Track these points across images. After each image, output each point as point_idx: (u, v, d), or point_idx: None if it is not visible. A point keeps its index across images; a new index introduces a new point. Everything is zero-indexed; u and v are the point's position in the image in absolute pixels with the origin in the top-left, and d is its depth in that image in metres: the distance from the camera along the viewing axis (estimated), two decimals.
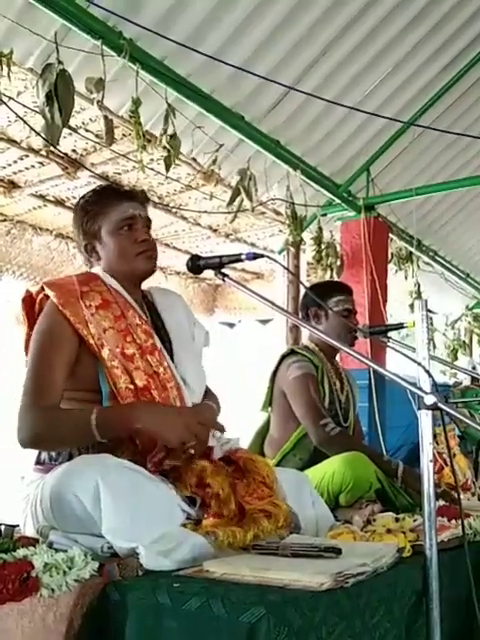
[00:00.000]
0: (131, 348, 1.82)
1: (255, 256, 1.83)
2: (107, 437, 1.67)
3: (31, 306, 1.92)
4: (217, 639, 1.21)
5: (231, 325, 7.81)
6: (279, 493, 1.85)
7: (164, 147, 3.26)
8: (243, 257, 1.81)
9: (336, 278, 4.76)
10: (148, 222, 1.99)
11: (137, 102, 3.07)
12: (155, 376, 1.83)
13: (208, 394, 2.07)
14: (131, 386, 1.78)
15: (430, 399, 1.53)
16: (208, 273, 1.80)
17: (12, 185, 4.49)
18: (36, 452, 1.85)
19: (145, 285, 2.07)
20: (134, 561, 1.45)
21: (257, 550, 1.59)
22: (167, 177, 3.83)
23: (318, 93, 4.05)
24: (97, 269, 1.99)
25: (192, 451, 1.69)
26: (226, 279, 1.81)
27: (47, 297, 1.85)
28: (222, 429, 1.81)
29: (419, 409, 1.60)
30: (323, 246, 4.79)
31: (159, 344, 1.90)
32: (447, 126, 4.95)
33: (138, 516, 1.53)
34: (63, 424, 1.71)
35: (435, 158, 5.29)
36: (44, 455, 1.82)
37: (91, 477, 1.53)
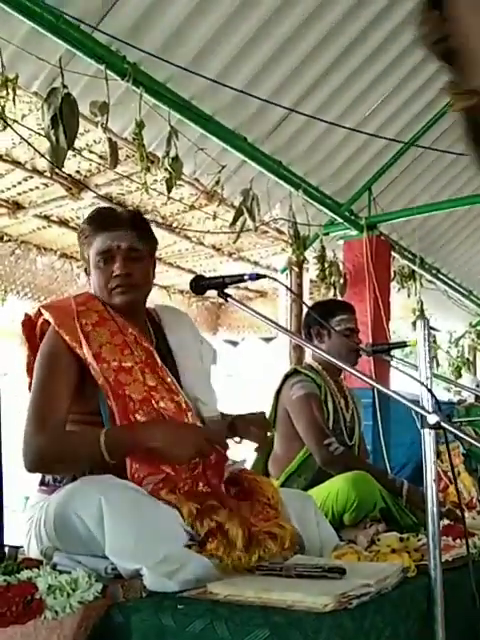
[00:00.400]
0: (129, 361, 1.82)
1: (258, 276, 1.85)
2: (116, 458, 1.66)
3: (31, 329, 1.93)
4: None
5: (235, 343, 7.81)
6: (284, 514, 1.85)
7: (166, 169, 3.30)
8: (246, 277, 1.82)
9: (339, 296, 4.77)
10: (130, 251, 1.91)
11: (140, 125, 3.11)
12: (158, 389, 1.83)
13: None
14: (129, 399, 1.77)
15: (433, 418, 1.53)
16: (212, 292, 1.82)
17: (17, 206, 4.54)
18: (39, 477, 1.85)
19: (150, 303, 2.08)
20: (138, 582, 1.45)
21: (261, 571, 1.58)
22: (170, 198, 3.87)
23: (319, 114, 4.09)
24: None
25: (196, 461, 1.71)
26: (229, 299, 1.83)
27: (47, 321, 1.86)
28: (225, 447, 1.82)
29: (422, 428, 1.60)
30: (326, 265, 4.81)
31: (160, 361, 1.90)
32: (448, 145, 4.98)
33: (142, 536, 1.53)
34: (71, 446, 1.72)
35: (437, 177, 5.32)
36: (48, 477, 1.82)
37: (94, 497, 1.54)
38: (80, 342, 1.79)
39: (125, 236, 1.91)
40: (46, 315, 1.85)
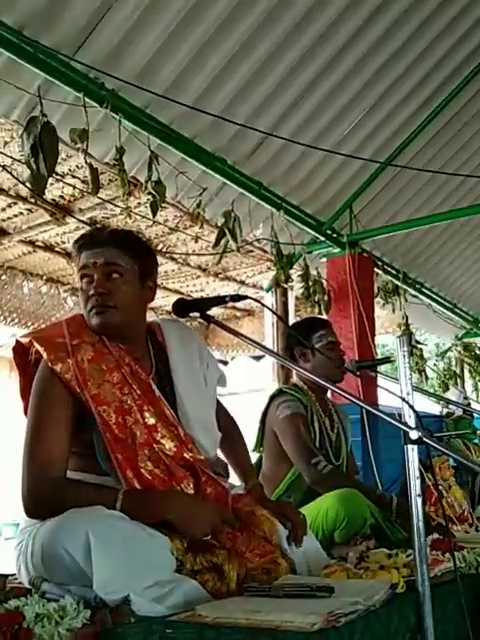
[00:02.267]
0: (128, 400, 1.77)
1: (239, 297, 1.87)
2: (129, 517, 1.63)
3: (24, 356, 1.87)
4: None
5: (224, 363, 7.81)
6: (278, 543, 1.84)
7: (149, 192, 3.32)
8: (227, 299, 1.85)
9: (324, 314, 4.80)
10: (108, 266, 1.81)
11: (121, 150, 3.14)
12: (158, 427, 1.79)
13: (234, 433, 2.08)
14: (132, 443, 1.74)
15: (414, 434, 1.55)
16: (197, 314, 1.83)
17: (1, 232, 4.56)
18: None
19: (151, 317, 2.02)
20: (126, 608, 1.45)
21: (250, 592, 1.58)
22: (154, 220, 3.89)
23: (297, 136, 4.13)
24: None
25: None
26: (211, 321, 1.84)
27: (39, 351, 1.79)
28: (237, 527, 1.77)
29: (404, 444, 1.62)
30: (310, 283, 4.85)
31: (158, 392, 1.86)
32: (425, 163, 5.05)
33: (130, 567, 1.52)
34: (78, 499, 1.64)
35: (416, 194, 5.38)
36: None
37: (81, 531, 1.51)
38: (78, 380, 1.72)
39: (103, 252, 1.81)
40: (40, 349, 1.77)
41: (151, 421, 1.80)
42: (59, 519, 1.61)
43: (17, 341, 1.90)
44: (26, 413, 1.86)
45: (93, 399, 1.73)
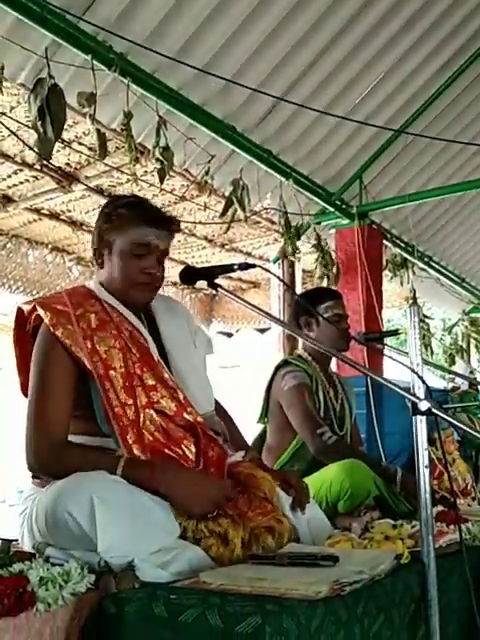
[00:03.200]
0: (131, 365, 1.80)
1: (248, 266, 1.84)
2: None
3: (22, 327, 1.88)
4: None
5: (229, 334, 7.81)
6: (280, 507, 1.85)
7: (157, 159, 3.28)
8: (235, 267, 1.82)
9: (333, 286, 4.76)
10: (164, 254, 1.91)
11: (129, 115, 3.09)
12: (158, 388, 1.82)
13: (219, 412, 2.05)
14: (130, 403, 1.75)
15: (424, 405, 1.54)
16: (203, 282, 1.81)
17: (7, 199, 4.51)
18: None
19: None
20: (130, 574, 1.45)
21: (254, 560, 1.58)
22: (161, 189, 3.85)
23: (309, 103, 4.07)
24: (92, 283, 1.97)
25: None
26: (219, 289, 1.82)
27: (40, 317, 1.81)
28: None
29: (413, 415, 1.60)
30: (323, 254, 4.80)
31: (156, 356, 1.88)
32: (438, 132, 4.97)
33: (135, 531, 1.52)
34: (79, 464, 1.65)
35: (427, 164, 5.31)
36: None
37: (85, 494, 1.52)
38: (80, 346, 1.75)
39: (165, 238, 1.90)
40: (42, 314, 1.79)
41: (150, 382, 1.82)
42: (62, 483, 1.61)
43: (18, 308, 1.89)
44: (23, 388, 1.89)
45: (103, 364, 1.75)
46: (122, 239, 1.87)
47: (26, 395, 1.91)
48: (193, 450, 1.82)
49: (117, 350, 1.79)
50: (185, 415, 1.84)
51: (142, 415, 1.77)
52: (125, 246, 1.87)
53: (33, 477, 1.83)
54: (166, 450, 1.78)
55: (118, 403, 1.74)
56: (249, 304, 1.79)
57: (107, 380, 1.74)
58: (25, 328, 1.88)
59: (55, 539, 1.61)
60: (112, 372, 1.75)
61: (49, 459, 1.70)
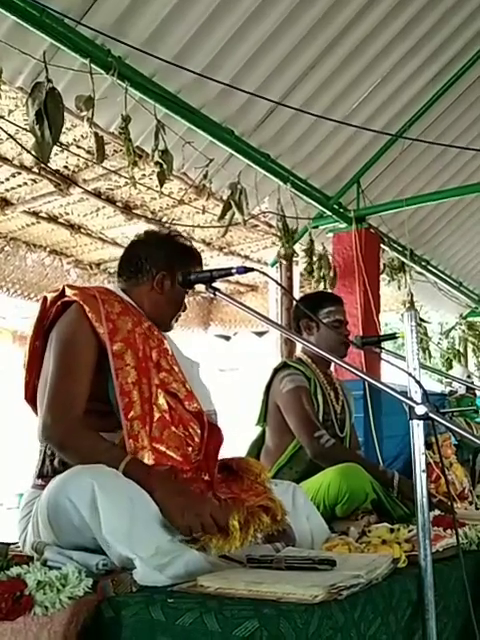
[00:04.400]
0: (148, 350, 1.89)
1: (246, 270, 1.84)
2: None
3: (42, 320, 1.95)
4: None
5: (227, 338, 7.82)
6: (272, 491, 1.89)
7: (157, 162, 3.28)
8: (234, 271, 1.82)
9: (329, 289, 4.77)
10: None
11: (127, 119, 3.09)
12: (172, 373, 1.91)
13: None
14: (145, 382, 1.83)
15: (421, 409, 1.54)
16: (201, 286, 1.82)
17: (5, 202, 4.52)
18: (36, 469, 1.86)
19: None
20: (128, 577, 1.45)
21: (252, 564, 1.58)
22: (160, 192, 3.86)
23: (306, 107, 4.08)
24: (112, 286, 2.06)
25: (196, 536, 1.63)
26: (217, 293, 1.82)
27: (64, 305, 1.90)
28: (226, 527, 1.67)
29: (410, 419, 1.61)
30: (315, 258, 4.81)
31: (171, 349, 1.98)
32: (436, 137, 4.99)
33: (135, 522, 1.54)
34: (89, 449, 1.71)
35: (425, 169, 5.32)
36: (47, 468, 1.82)
37: (87, 483, 1.55)
38: (103, 325, 1.83)
39: None
40: (70, 292, 1.89)
41: (166, 366, 1.92)
42: (65, 474, 1.64)
43: (43, 297, 1.97)
44: (27, 389, 1.97)
45: (123, 342, 1.83)
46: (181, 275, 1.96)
47: (28, 398, 1.94)
48: (199, 433, 1.88)
49: (137, 334, 1.89)
50: (194, 403, 1.92)
51: (155, 393, 1.84)
52: (185, 285, 1.97)
53: (37, 477, 1.84)
54: (173, 428, 1.84)
55: (132, 380, 1.81)
56: (247, 307, 1.79)
57: (124, 357, 1.82)
58: (43, 322, 1.94)
59: (56, 530, 1.62)
60: (131, 351, 1.83)
61: (66, 433, 1.74)
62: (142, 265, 2.05)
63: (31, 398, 1.97)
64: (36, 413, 1.95)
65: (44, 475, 1.82)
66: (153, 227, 4.72)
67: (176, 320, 2.10)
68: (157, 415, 1.82)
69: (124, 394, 1.78)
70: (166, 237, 2.14)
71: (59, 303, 1.92)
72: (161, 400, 1.85)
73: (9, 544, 1.69)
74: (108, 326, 1.83)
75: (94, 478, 1.55)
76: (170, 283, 2.04)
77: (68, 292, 1.90)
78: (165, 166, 3.23)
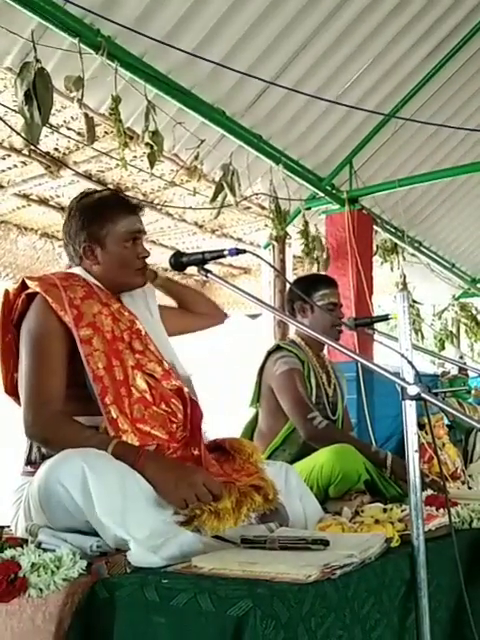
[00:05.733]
0: (120, 331, 1.86)
1: (238, 251, 1.84)
2: None
3: (7, 315, 1.90)
4: (205, 634, 1.21)
5: None
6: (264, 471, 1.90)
7: (147, 143, 3.25)
8: (226, 253, 1.81)
9: (322, 271, 4.76)
10: (145, 235, 2.04)
11: (117, 99, 3.06)
12: (146, 353, 1.88)
13: None
14: (117, 364, 1.80)
15: (413, 389, 1.54)
16: (193, 268, 1.81)
17: None
18: (24, 456, 1.85)
19: None
20: (122, 558, 1.45)
21: (245, 544, 1.59)
22: (151, 174, 3.83)
23: (299, 87, 4.05)
24: (77, 269, 1.98)
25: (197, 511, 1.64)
26: (209, 275, 1.82)
27: (28, 297, 1.85)
28: (220, 496, 1.68)
29: (403, 399, 1.61)
30: (309, 239, 4.80)
31: (142, 329, 1.93)
32: (428, 117, 4.96)
33: (128, 503, 1.55)
34: (77, 438, 1.69)
35: (418, 149, 5.30)
36: (35, 455, 1.81)
37: (77, 466, 1.54)
38: (68, 313, 1.79)
39: (142, 222, 2.01)
40: (31, 284, 1.85)
41: (139, 348, 1.89)
42: (54, 459, 1.63)
43: (5, 291, 1.92)
44: (5, 384, 1.92)
45: (90, 327, 1.80)
46: (114, 231, 1.93)
47: (8, 391, 1.93)
48: (181, 408, 1.87)
49: (105, 316, 1.85)
50: (172, 380, 1.90)
51: (131, 375, 1.82)
52: (119, 237, 1.94)
53: (26, 464, 1.84)
54: (154, 407, 1.82)
55: (103, 365, 1.78)
56: (240, 290, 1.79)
57: (92, 343, 1.79)
58: (10, 317, 1.89)
59: (49, 516, 1.62)
60: (98, 335, 1.80)
61: (47, 429, 1.73)
62: (69, 244, 1.98)
63: (12, 391, 1.93)
64: (19, 404, 1.91)
65: (32, 462, 1.81)
66: (145, 209, 4.69)
67: (141, 273, 1.98)
68: (137, 396, 1.80)
69: (97, 380, 1.76)
70: (72, 207, 2.00)
71: (23, 296, 1.87)
72: (139, 381, 1.82)
73: (2, 527, 1.69)
74: (72, 313, 1.79)
75: (84, 461, 1.55)
76: (100, 249, 1.94)
77: (29, 284, 1.85)
78: (156, 147, 3.20)
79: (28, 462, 1.83)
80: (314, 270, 4.80)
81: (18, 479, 1.84)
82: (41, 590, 1.28)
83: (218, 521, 1.64)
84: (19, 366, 1.84)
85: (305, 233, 4.80)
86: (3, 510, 1.84)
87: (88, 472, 1.52)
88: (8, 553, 1.33)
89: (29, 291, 1.86)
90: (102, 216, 1.94)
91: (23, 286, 1.88)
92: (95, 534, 1.55)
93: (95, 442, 1.67)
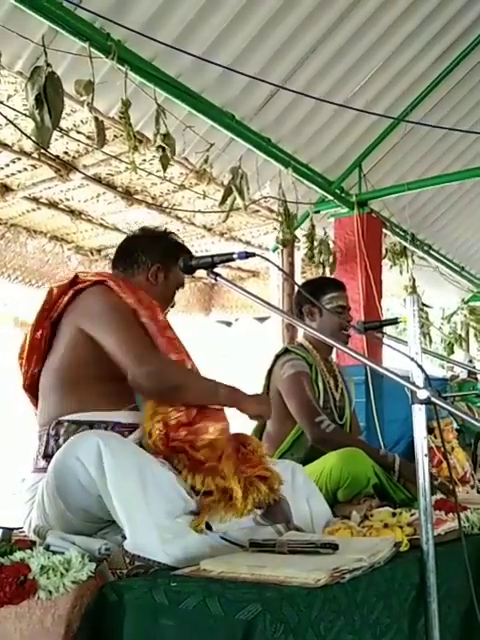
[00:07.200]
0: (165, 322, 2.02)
1: (247, 255, 1.84)
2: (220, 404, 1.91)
3: (50, 307, 1.98)
4: (214, 637, 1.21)
5: (228, 324, 7.80)
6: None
7: (159, 147, 3.26)
8: (235, 256, 1.82)
9: (329, 275, 4.76)
10: None
11: (127, 103, 3.07)
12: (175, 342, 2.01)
13: None
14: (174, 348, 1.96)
15: (423, 393, 1.54)
16: (203, 272, 1.82)
17: (5, 188, 4.49)
18: (39, 451, 1.88)
19: None
20: (119, 550, 1.47)
21: (254, 548, 1.59)
22: (164, 177, 3.83)
23: (308, 90, 4.05)
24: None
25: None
26: (218, 278, 1.82)
27: (75, 292, 1.96)
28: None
29: (413, 403, 1.61)
30: (316, 243, 4.79)
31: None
32: (438, 120, 4.95)
33: (142, 481, 1.59)
34: (200, 380, 1.92)
35: (427, 153, 5.29)
36: (52, 447, 1.83)
37: (93, 442, 1.60)
38: (130, 297, 1.95)
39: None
40: (87, 277, 1.98)
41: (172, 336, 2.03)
42: (71, 438, 1.70)
43: (50, 289, 2.02)
44: (26, 379, 2.00)
45: (148, 309, 1.97)
46: (177, 271, 2.12)
47: (26, 386, 1.98)
48: None
49: (155, 306, 2.03)
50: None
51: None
52: (179, 279, 2.21)
53: (42, 456, 1.86)
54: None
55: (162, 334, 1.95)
56: (249, 293, 1.79)
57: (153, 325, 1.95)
58: (49, 314, 1.98)
59: (63, 496, 1.65)
60: (158, 319, 1.98)
61: (174, 371, 1.89)
62: (138, 257, 2.13)
63: (29, 387, 2.00)
64: (34, 402, 1.99)
65: (49, 455, 1.82)
66: (154, 212, 4.71)
67: (164, 316, 2.14)
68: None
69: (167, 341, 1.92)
70: (162, 233, 2.24)
71: (71, 291, 1.96)
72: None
73: (12, 529, 1.69)
74: (134, 297, 1.95)
75: (101, 438, 1.60)
76: (163, 276, 2.14)
77: (84, 277, 1.99)
78: (168, 149, 3.21)
79: (45, 455, 1.85)
80: (320, 273, 4.80)
81: (30, 478, 1.86)
82: (50, 592, 1.29)
83: (226, 502, 1.70)
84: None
85: (310, 237, 4.79)
86: (6, 513, 1.85)
87: (103, 448, 1.57)
88: (17, 555, 1.34)
89: (80, 286, 1.96)
90: (179, 256, 2.08)
91: (73, 282, 1.98)
92: (105, 515, 1.58)
93: (213, 384, 1.89)
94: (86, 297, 1.94)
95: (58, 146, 3.97)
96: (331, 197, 4.87)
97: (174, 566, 1.50)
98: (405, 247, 5.77)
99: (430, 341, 6.67)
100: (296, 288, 3.75)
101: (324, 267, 4.78)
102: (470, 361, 5.99)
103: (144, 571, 1.50)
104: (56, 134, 3.29)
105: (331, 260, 4.84)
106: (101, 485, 1.56)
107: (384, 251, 5.53)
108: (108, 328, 1.86)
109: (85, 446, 1.61)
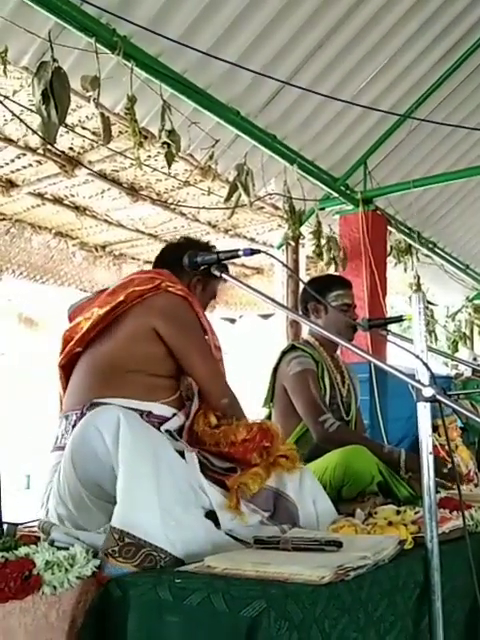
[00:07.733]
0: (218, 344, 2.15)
1: (252, 252, 1.84)
2: None
3: (109, 316, 2.00)
4: (218, 634, 1.21)
5: (232, 321, 7.80)
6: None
7: (164, 143, 3.26)
8: (240, 253, 1.82)
9: (339, 272, 4.75)
10: None
11: (132, 99, 3.07)
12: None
13: None
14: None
15: (428, 391, 1.53)
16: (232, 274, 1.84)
17: (10, 184, 4.49)
18: (60, 434, 1.91)
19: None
20: (109, 529, 1.46)
21: (259, 545, 1.59)
22: (169, 174, 3.83)
23: (314, 87, 4.04)
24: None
25: None
26: (223, 275, 1.82)
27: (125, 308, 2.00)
28: None
29: (417, 401, 1.60)
30: (323, 240, 4.79)
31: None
32: (444, 117, 4.94)
33: (154, 461, 1.58)
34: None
35: (432, 150, 5.28)
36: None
37: (114, 414, 1.61)
38: (205, 320, 2.09)
39: None
40: (176, 289, 2.05)
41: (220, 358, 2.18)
42: (95, 409, 1.74)
43: (132, 291, 2.03)
44: (66, 355, 2.05)
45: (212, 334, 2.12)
46: (213, 282, 2.26)
47: (62, 365, 2.06)
48: None
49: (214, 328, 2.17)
50: None
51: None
52: (214, 288, 2.31)
53: (60, 443, 1.86)
54: None
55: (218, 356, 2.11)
56: (254, 290, 1.79)
57: (214, 343, 2.11)
58: (92, 333, 2.01)
59: (79, 467, 1.65)
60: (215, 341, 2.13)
61: (238, 405, 2.07)
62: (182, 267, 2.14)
63: (64, 367, 2.06)
64: (64, 380, 2.05)
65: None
66: (159, 209, 4.71)
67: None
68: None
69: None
70: (205, 245, 2.33)
71: (151, 288, 2.02)
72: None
73: (17, 524, 1.70)
74: (205, 319, 2.09)
75: (122, 412, 1.62)
76: (202, 288, 2.24)
77: (171, 288, 2.04)
78: (173, 145, 3.20)
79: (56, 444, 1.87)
80: (331, 270, 4.79)
81: (52, 456, 1.86)
82: (55, 588, 1.29)
83: (253, 478, 1.81)
84: (186, 352, 2.01)
85: (317, 234, 4.78)
86: (11, 508, 1.85)
87: (122, 420, 1.58)
88: (22, 551, 1.34)
89: (169, 290, 2.04)
90: (218, 281, 2.23)
91: (156, 287, 2.02)
92: (113, 500, 1.55)
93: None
94: (169, 302, 2.02)
95: (63, 142, 3.97)
96: (336, 194, 4.86)
97: (170, 552, 1.49)
98: (410, 244, 5.76)
99: (435, 339, 6.66)
100: (301, 285, 3.75)
101: (336, 264, 4.77)
102: (474, 359, 5.97)
103: (134, 550, 1.46)
104: (61, 130, 3.29)
105: (342, 256, 4.83)
106: (114, 456, 1.56)
107: (389, 248, 5.52)
108: (196, 349, 2.02)
109: (106, 417, 1.62)
